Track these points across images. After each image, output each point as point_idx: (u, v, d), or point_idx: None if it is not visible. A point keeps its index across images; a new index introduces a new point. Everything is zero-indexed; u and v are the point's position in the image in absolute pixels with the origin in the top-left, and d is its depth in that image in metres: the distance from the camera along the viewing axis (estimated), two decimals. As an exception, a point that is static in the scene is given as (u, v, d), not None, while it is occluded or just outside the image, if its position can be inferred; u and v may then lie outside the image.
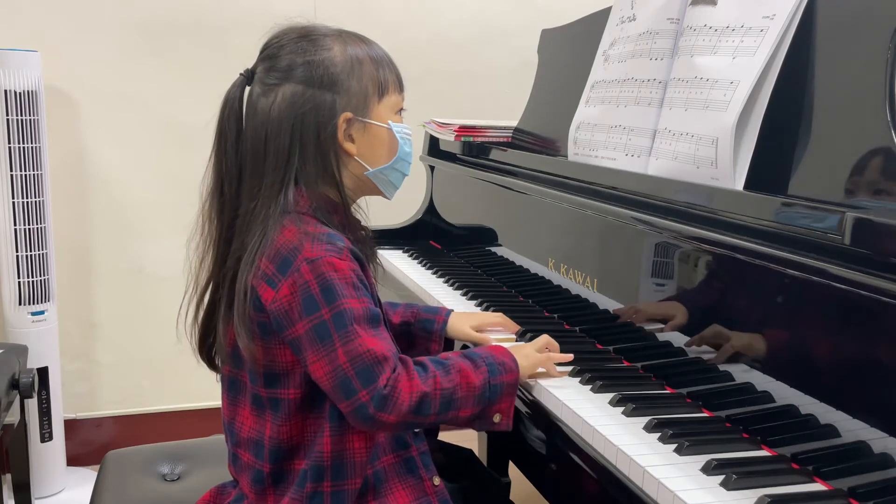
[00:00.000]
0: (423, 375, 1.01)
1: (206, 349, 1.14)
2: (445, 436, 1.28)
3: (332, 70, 1.07)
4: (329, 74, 1.06)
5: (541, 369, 1.15)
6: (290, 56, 1.06)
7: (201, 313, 1.12)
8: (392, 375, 0.98)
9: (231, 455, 1.14)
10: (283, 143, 1.04)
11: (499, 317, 1.37)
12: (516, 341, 1.32)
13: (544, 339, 1.19)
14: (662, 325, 1.15)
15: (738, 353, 1.01)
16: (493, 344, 1.30)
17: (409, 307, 1.35)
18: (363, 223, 1.13)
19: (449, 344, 1.35)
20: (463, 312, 1.38)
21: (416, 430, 1.14)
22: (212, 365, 1.15)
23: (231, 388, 1.12)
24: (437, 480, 1.13)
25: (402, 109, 1.15)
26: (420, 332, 1.32)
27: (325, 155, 1.06)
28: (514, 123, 1.93)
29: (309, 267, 0.99)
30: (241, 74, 1.09)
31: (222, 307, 1.07)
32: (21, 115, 2.04)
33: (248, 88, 1.09)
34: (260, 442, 1.08)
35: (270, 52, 1.08)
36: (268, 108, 1.05)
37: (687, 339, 1.10)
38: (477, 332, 1.32)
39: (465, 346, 1.39)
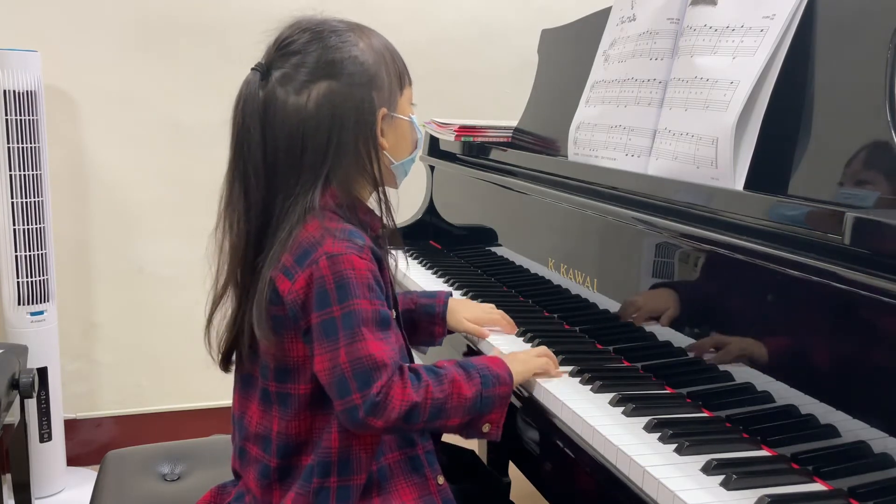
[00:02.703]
0: (416, 385, 1.01)
1: (228, 355, 1.12)
2: (447, 437, 1.28)
3: (366, 66, 1.06)
4: (364, 71, 1.06)
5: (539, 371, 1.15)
6: (318, 52, 1.05)
7: (220, 319, 1.10)
8: (386, 383, 0.98)
9: (238, 449, 1.14)
10: (321, 140, 1.03)
11: (497, 315, 1.37)
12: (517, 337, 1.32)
13: (542, 349, 1.19)
14: (662, 325, 1.15)
15: (738, 352, 1.01)
16: (488, 334, 1.33)
17: (407, 294, 1.36)
18: (389, 218, 1.11)
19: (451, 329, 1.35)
20: (461, 300, 1.39)
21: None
22: (227, 367, 1.14)
23: (244, 383, 1.12)
24: (441, 480, 1.13)
25: (413, 103, 1.16)
26: (423, 317, 1.33)
27: (365, 151, 1.06)
28: (514, 123, 1.93)
29: (328, 262, 0.99)
30: (253, 69, 1.06)
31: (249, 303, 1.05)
32: (21, 115, 2.03)
33: (261, 84, 1.05)
34: (268, 437, 1.08)
35: (293, 49, 1.05)
36: (302, 105, 1.03)
37: (687, 338, 1.10)
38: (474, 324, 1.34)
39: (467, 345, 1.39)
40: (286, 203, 1.04)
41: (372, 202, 1.12)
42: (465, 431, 1.06)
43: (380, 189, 1.09)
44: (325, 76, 1.04)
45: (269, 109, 1.04)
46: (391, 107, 1.10)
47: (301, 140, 1.03)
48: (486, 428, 1.06)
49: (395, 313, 1.08)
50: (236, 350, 1.11)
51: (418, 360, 1.59)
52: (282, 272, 1.01)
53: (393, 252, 1.13)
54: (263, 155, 1.04)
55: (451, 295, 1.37)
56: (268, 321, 1.02)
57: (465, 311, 1.36)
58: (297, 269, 1.00)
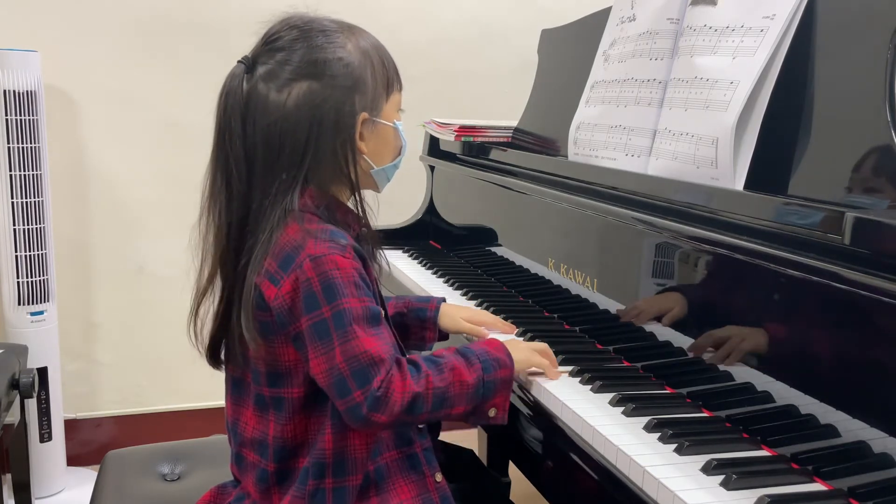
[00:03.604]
0: (416, 376, 1.01)
1: (215, 349, 1.12)
2: (446, 436, 1.28)
3: (350, 69, 1.06)
4: (348, 74, 1.05)
5: (535, 369, 1.15)
6: (303, 51, 1.04)
7: (206, 312, 1.10)
8: (386, 377, 0.98)
9: (234, 455, 1.14)
10: (299, 140, 1.03)
11: (490, 317, 1.37)
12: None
13: (544, 347, 1.19)
14: (662, 325, 1.15)
15: (738, 353, 1.01)
16: (488, 338, 1.30)
17: (400, 298, 1.35)
18: (364, 220, 1.11)
19: (443, 335, 1.35)
20: (454, 304, 1.39)
21: (420, 427, 1.14)
22: (216, 363, 1.14)
23: (235, 388, 1.12)
24: (439, 477, 1.13)
25: (401, 109, 1.15)
26: (414, 322, 1.32)
27: (342, 154, 1.05)
28: (514, 123, 1.93)
29: (312, 264, 0.99)
30: (239, 62, 1.06)
31: (235, 307, 1.05)
32: (21, 115, 2.03)
33: (245, 77, 1.05)
34: (264, 441, 1.08)
35: (279, 45, 1.05)
36: (282, 103, 1.03)
37: (687, 338, 1.10)
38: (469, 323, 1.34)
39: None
40: (264, 201, 1.03)
41: (350, 203, 1.11)
42: (472, 418, 1.06)
43: (357, 193, 1.09)
44: (307, 76, 1.04)
45: (251, 104, 1.04)
46: (374, 111, 1.09)
47: (279, 138, 1.03)
48: (492, 412, 1.06)
49: (382, 311, 1.08)
50: (225, 348, 1.11)
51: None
52: (267, 278, 1.01)
53: (377, 252, 1.13)
54: (244, 149, 1.04)
55: (444, 300, 1.36)
56: (256, 327, 1.02)
57: (461, 311, 1.36)
58: (282, 274, 1.00)
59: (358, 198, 1.09)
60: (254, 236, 1.04)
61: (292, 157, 1.03)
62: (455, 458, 1.34)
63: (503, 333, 1.34)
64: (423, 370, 1.02)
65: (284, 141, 1.03)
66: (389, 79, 1.12)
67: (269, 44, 1.06)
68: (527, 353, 1.14)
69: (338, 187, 1.09)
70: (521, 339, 1.33)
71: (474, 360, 1.06)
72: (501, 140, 1.93)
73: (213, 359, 1.13)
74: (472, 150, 1.90)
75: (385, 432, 1.10)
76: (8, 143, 2.03)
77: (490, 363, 1.06)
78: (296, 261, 0.99)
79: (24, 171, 2.06)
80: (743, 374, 1.00)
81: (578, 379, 1.15)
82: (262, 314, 1.02)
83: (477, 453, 1.41)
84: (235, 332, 1.05)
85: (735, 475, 0.86)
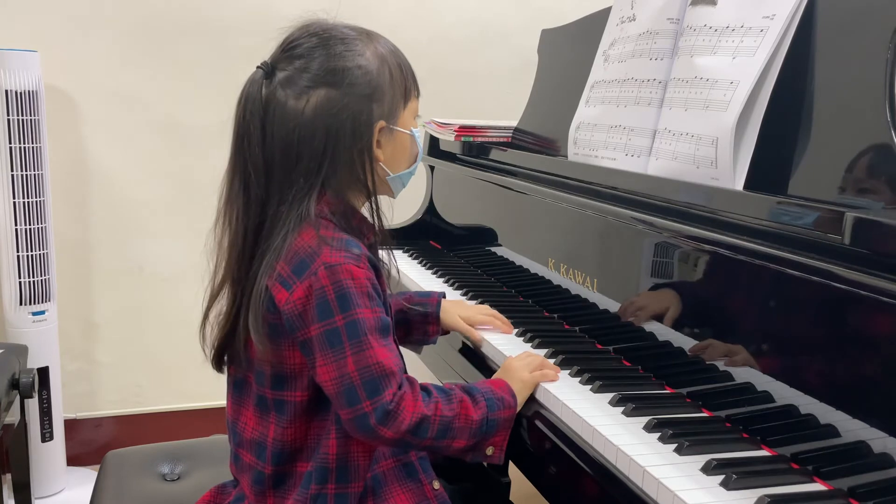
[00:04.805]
0: (427, 399, 1.02)
1: (221, 353, 1.12)
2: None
3: (368, 78, 1.05)
4: (366, 82, 1.05)
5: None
6: (322, 59, 1.04)
7: (216, 315, 1.10)
8: (398, 392, 0.99)
9: (233, 455, 1.14)
10: (316, 148, 1.03)
11: (489, 317, 1.37)
12: (516, 337, 1.32)
13: (540, 360, 1.18)
14: (662, 325, 1.15)
15: (738, 352, 1.01)
16: (480, 340, 1.33)
17: (401, 294, 1.36)
18: (379, 227, 1.11)
19: (444, 330, 1.35)
20: (455, 301, 1.39)
21: None
22: (220, 367, 1.14)
23: (237, 388, 1.12)
24: (436, 484, 1.13)
25: (418, 115, 1.15)
26: (416, 317, 1.33)
27: (359, 161, 1.05)
28: (514, 123, 1.93)
29: (327, 272, 0.99)
30: (258, 68, 1.06)
31: (244, 310, 1.05)
32: (21, 115, 2.04)
33: (264, 83, 1.05)
34: (263, 443, 1.08)
35: (298, 52, 1.05)
36: (300, 110, 1.03)
37: (687, 338, 1.10)
38: (468, 324, 1.34)
39: (464, 346, 1.39)
40: (281, 207, 1.03)
41: (365, 210, 1.11)
42: (470, 454, 1.06)
43: (373, 199, 1.09)
44: (325, 84, 1.04)
45: (269, 110, 1.04)
46: (391, 119, 1.09)
47: (296, 145, 1.03)
48: (489, 451, 1.06)
49: (392, 327, 1.08)
50: (229, 351, 1.11)
51: (415, 359, 1.59)
52: (278, 281, 1.01)
53: (385, 262, 1.12)
54: (262, 154, 1.04)
55: (445, 296, 1.37)
56: (264, 328, 1.02)
57: (460, 310, 1.36)
58: (295, 280, 1.00)
59: (374, 205, 1.09)
60: (268, 241, 1.03)
61: (309, 164, 1.03)
62: (454, 458, 1.34)
63: (501, 334, 1.34)
64: (434, 395, 1.03)
65: (302, 148, 1.03)
66: (407, 86, 1.11)
67: (289, 50, 1.06)
68: (525, 378, 1.13)
69: (354, 194, 1.09)
70: (521, 339, 1.33)
71: (480, 398, 1.06)
72: (501, 140, 1.93)
73: (218, 363, 1.13)
74: (472, 150, 1.90)
75: None
76: (9, 143, 2.04)
77: (495, 402, 1.06)
78: (310, 268, 0.99)
79: (25, 170, 2.06)
80: (743, 374, 1.00)
81: (578, 379, 1.15)
82: (271, 316, 1.02)
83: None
84: (242, 334, 1.05)
85: (735, 475, 0.86)
